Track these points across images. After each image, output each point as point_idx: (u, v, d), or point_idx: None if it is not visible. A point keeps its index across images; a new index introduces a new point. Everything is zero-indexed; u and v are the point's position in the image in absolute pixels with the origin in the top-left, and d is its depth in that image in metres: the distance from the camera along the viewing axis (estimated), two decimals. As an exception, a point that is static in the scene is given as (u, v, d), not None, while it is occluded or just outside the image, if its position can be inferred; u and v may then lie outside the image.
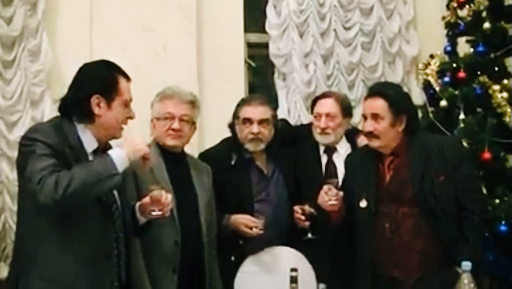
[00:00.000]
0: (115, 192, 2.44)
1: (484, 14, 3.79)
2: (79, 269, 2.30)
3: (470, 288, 2.37)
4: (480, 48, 3.76)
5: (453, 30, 4.02)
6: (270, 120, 3.33)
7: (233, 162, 3.31)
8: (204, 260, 3.01)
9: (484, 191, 3.32)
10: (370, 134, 2.91)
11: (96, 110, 2.37)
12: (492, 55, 3.74)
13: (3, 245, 3.94)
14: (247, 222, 3.15)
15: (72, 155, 2.31)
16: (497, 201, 3.41)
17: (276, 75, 4.49)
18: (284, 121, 3.96)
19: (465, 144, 3.42)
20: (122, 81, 2.44)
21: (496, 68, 3.71)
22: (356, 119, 3.84)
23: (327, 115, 3.39)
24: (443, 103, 3.74)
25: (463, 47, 3.99)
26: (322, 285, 2.81)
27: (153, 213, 2.48)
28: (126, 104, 2.44)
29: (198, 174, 3.12)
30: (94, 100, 2.36)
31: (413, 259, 2.82)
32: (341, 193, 2.90)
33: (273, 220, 3.24)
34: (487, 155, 3.44)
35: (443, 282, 2.71)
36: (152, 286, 2.85)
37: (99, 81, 2.39)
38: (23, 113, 3.91)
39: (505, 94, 3.54)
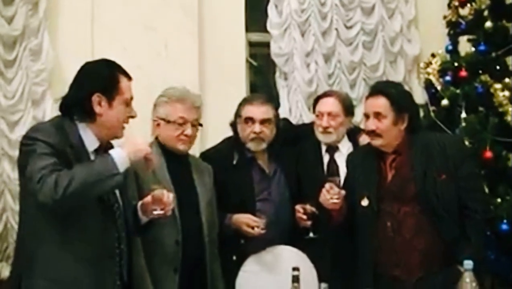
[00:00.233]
0: (117, 192, 2.43)
1: (485, 13, 3.78)
2: (81, 268, 2.30)
3: (472, 287, 2.36)
4: (482, 47, 3.76)
5: (455, 29, 4.01)
6: (272, 120, 3.33)
7: (235, 162, 3.31)
8: (206, 259, 3.01)
9: (486, 190, 3.31)
10: (372, 133, 2.90)
11: (97, 109, 2.37)
12: (493, 54, 3.74)
13: (5, 245, 3.93)
14: (249, 222, 3.14)
15: (73, 154, 2.30)
16: (499, 200, 3.40)
17: (277, 74, 4.48)
18: (286, 120, 3.96)
19: (466, 143, 3.40)
20: (123, 80, 2.43)
21: (498, 67, 3.71)
22: (358, 118, 3.84)
23: (329, 114, 3.38)
24: (445, 102, 3.74)
25: (465, 46, 3.99)
26: (324, 284, 2.80)
27: (155, 213, 2.47)
28: (127, 103, 2.44)
29: (200, 173, 3.12)
30: (95, 98, 2.36)
31: (414, 258, 2.81)
32: (342, 192, 2.89)
33: (275, 220, 3.24)
34: (488, 154, 3.44)
35: (445, 281, 2.71)
36: (154, 285, 2.85)
37: (100, 79, 2.39)
38: (24, 112, 3.91)
39: (506, 93, 3.53)
